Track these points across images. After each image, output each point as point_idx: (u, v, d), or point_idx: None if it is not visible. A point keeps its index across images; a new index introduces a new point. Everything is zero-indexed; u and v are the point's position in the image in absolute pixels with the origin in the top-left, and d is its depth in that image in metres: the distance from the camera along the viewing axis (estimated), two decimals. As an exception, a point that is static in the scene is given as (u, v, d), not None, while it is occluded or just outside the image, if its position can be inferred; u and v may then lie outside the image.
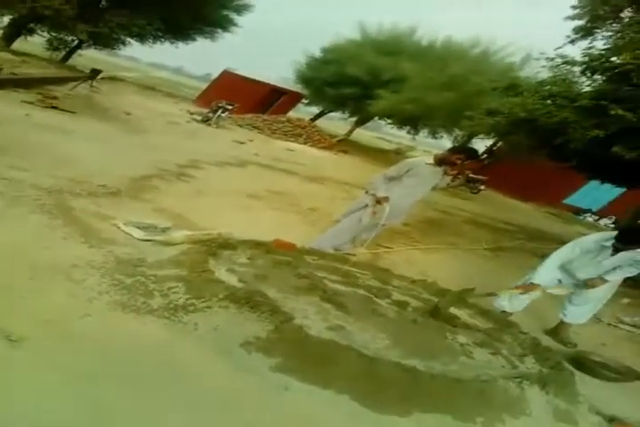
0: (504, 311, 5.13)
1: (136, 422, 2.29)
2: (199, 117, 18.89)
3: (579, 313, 5.18)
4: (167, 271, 3.72)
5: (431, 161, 5.64)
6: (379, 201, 5.50)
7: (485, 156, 24.42)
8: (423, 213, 10.93)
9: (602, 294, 5.08)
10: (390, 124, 29.81)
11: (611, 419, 3.47)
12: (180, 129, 15.04)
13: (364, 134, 39.97)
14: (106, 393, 2.38)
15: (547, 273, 4.97)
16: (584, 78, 11.01)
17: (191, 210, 5.96)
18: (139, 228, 4.66)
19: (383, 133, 53.94)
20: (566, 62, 10.58)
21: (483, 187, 20.59)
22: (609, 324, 6.23)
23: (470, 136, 22.71)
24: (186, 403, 2.48)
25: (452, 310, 4.35)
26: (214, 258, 4.19)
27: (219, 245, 4.49)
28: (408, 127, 28.27)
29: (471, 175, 20.85)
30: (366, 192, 5.79)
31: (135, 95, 20.97)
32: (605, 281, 4.91)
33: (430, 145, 39.59)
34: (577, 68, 10.56)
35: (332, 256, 5.28)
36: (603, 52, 9.55)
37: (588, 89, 10.53)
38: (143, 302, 3.20)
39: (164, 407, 2.41)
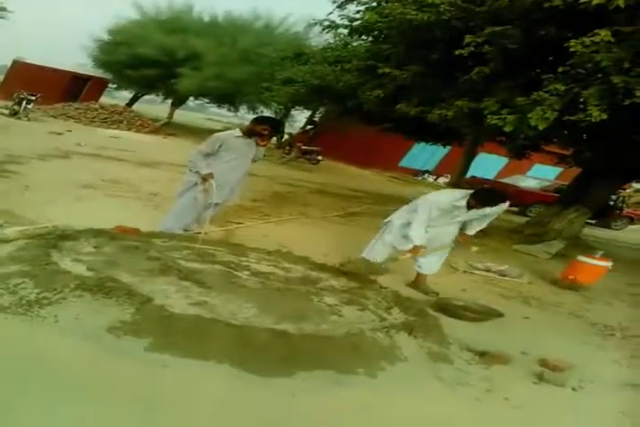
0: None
1: (17, 422, 2.12)
2: (6, 111, 17.40)
3: (430, 264, 5.58)
4: (8, 269, 3.43)
5: (240, 133, 5.63)
6: (204, 178, 5.44)
7: (309, 127, 25.15)
8: (269, 187, 11.07)
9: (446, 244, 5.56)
10: (208, 103, 29.84)
11: (482, 353, 3.75)
12: (-12, 124, 13.73)
13: (190, 116, 39.29)
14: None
15: (423, 234, 5.29)
16: (361, 42, 11.47)
17: (21, 206, 5.53)
18: (-36, 228, 4.23)
19: (209, 114, 53.28)
20: (330, 26, 10.78)
21: (320, 157, 21.25)
22: (464, 271, 6.76)
23: (287, 108, 23.23)
24: (67, 394, 2.33)
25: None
26: (56, 250, 3.94)
27: (58, 237, 4.22)
28: (227, 105, 28.44)
29: (304, 147, 21.49)
30: (190, 171, 5.71)
31: None
32: (469, 236, 5.60)
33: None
34: (345, 32, 10.85)
35: (182, 237, 5.17)
36: (359, 14, 9.79)
37: (363, 52, 10.98)
38: (-8, 302, 2.94)
39: (43, 402, 2.25)
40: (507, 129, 6.53)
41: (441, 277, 5.85)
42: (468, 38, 6.61)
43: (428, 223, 5.28)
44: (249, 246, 5.26)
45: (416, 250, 5.31)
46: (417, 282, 5.65)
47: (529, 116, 6.10)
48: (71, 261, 3.79)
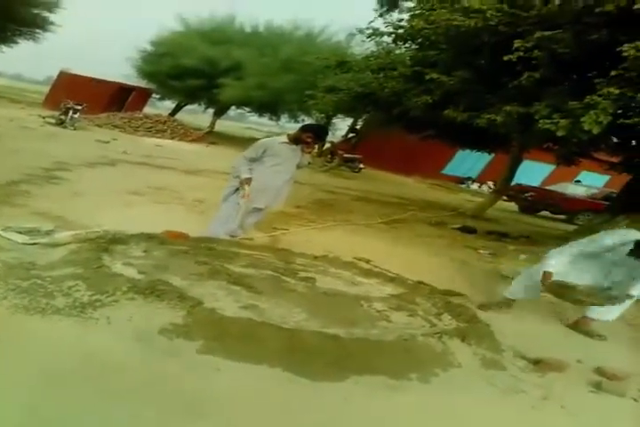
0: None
1: (71, 422, 2.13)
2: (53, 120, 17.88)
3: (608, 312, 4.66)
4: (62, 271, 3.49)
5: (285, 140, 5.64)
6: (242, 183, 5.46)
7: (352, 135, 25.12)
8: (312, 195, 11.09)
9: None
10: (250, 112, 30.12)
11: (536, 361, 3.65)
12: (36, 133, 14.14)
13: (231, 126, 39.80)
14: (32, 396, 2.22)
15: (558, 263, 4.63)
16: (404, 49, 11.47)
17: (71, 211, 5.63)
18: (20, 232, 4.33)
19: (250, 123, 53.91)
20: (374, 34, 10.85)
21: (362, 165, 21.22)
22: (513, 279, 6.50)
23: (329, 117, 23.26)
24: (120, 394, 2.34)
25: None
26: (107, 254, 4.00)
27: (109, 241, 4.31)
28: (268, 114, 28.59)
29: (346, 155, 21.50)
30: (233, 176, 5.71)
31: (-24, 105, 19.38)
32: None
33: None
34: (389, 40, 10.85)
35: (229, 242, 5.20)
36: (403, 22, 9.84)
37: (408, 59, 10.96)
38: (46, 304, 2.97)
39: (96, 402, 2.26)
40: (559, 133, 6.39)
41: (490, 286, 5.72)
42: (516, 43, 6.53)
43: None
44: (295, 252, 5.25)
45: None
46: (580, 324, 4.82)
47: (582, 120, 5.97)
48: (122, 264, 3.83)
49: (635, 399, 3.46)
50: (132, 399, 2.35)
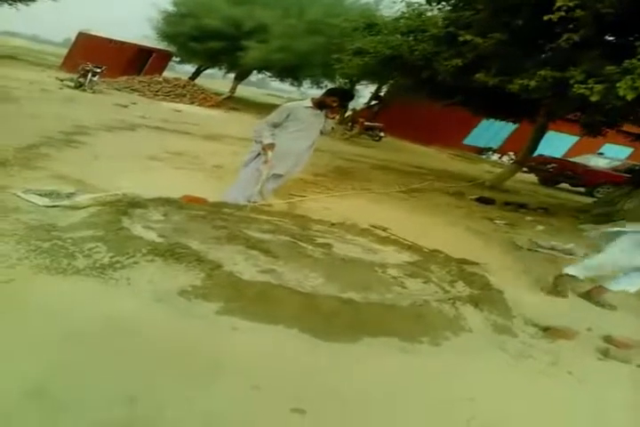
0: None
1: (96, 382, 2.19)
2: (71, 83, 17.77)
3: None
4: (83, 233, 3.54)
5: (310, 104, 5.52)
6: (264, 148, 5.38)
7: (374, 102, 24.82)
8: (331, 162, 11.08)
9: None
10: (271, 77, 29.62)
11: (546, 328, 3.71)
12: (55, 96, 14.11)
13: (252, 91, 39.55)
14: (53, 355, 2.29)
15: None
16: (436, 11, 11.26)
17: (91, 175, 5.66)
18: (40, 195, 4.39)
19: (271, 89, 53.49)
20: None
21: (383, 134, 21.04)
22: (528, 249, 6.58)
23: (353, 83, 22.93)
24: (140, 354, 2.41)
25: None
26: (127, 217, 4.03)
27: (128, 205, 4.33)
28: (290, 79, 28.14)
29: (367, 123, 21.32)
30: (255, 141, 5.67)
31: (-4, 65, 19.38)
32: None
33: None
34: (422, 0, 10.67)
35: (247, 207, 5.23)
36: None
37: (440, 20, 10.75)
38: (68, 264, 3.04)
39: (116, 362, 2.33)
40: (593, 99, 6.25)
41: (505, 255, 5.73)
42: (559, 2, 6.28)
43: None
44: (313, 218, 5.28)
45: None
46: (593, 293, 4.89)
47: (617, 85, 5.82)
48: (142, 227, 3.88)
49: (639, 366, 3.52)
50: (152, 359, 2.41)
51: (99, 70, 18.05)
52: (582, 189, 17.10)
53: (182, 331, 2.66)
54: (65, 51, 31.06)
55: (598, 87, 6.20)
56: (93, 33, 27.32)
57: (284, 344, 2.73)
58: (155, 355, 2.44)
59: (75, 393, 2.08)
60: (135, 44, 27.51)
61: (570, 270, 4.88)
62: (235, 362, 2.51)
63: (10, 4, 26.55)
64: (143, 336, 2.56)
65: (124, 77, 21.72)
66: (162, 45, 28.48)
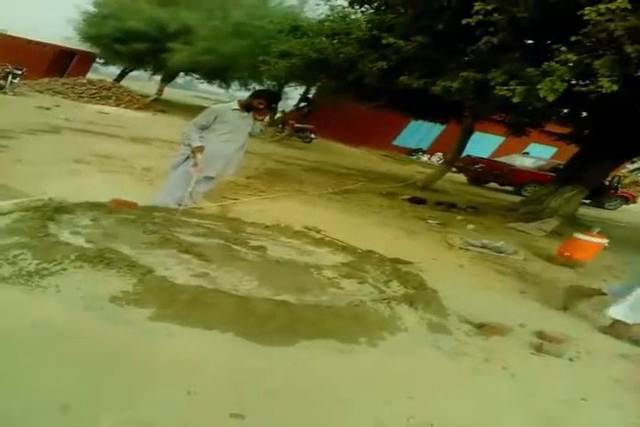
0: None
1: (27, 390, 2.11)
2: (-9, 85, 17.08)
3: None
4: (6, 240, 3.38)
5: (237, 106, 5.50)
6: (194, 151, 5.31)
7: (303, 104, 24.93)
8: (263, 164, 11.04)
9: None
10: (198, 79, 29.40)
11: (480, 325, 3.81)
12: (-27, 98, 13.52)
13: (179, 94, 38.92)
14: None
15: None
16: (360, 13, 11.42)
17: (14, 179, 5.47)
18: (-42, 201, 4.17)
19: (198, 91, 52.80)
20: None
21: (313, 135, 21.13)
22: (460, 248, 6.76)
23: (281, 84, 22.99)
24: (71, 362, 2.33)
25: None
26: (54, 222, 3.90)
27: (54, 210, 4.17)
28: (217, 81, 28.00)
29: (297, 125, 21.36)
30: (183, 143, 5.57)
31: None
32: None
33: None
34: (345, 3, 10.82)
35: (178, 211, 5.13)
36: None
37: (364, 23, 10.94)
38: (-8, 272, 2.91)
39: (48, 370, 2.25)
40: (515, 100, 6.44)
41: (438, 254, 5.86)
42: (477, 6, 6.46)
43: None
44: (246, 221, 5.24)
45: None
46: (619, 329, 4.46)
47: (538, 87, 6.03)
48: (69, 233, 3.75)
49: (570, 359, 3.66)
50: (84, 366, 2.34)
51: (19, 72, 17.45)
52: (510, 188, 17.72)
53: (114, 338, 2.58)
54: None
55: (519, 89, 6.41)
56: (11, 33, 26.23)
57: (219, 349, 2.68)
58: (87, 362, 2.37)
59: (5, 403, 2.01)
60: (56, 46, 26.77)
61: (616, 314, 4.44)
62: (169, 368, 2.46)
63: None
64: (74, 344, 2.48)
65: (47, 79, 21.10)
66: (85, 47, 27.68)
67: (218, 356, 2.64)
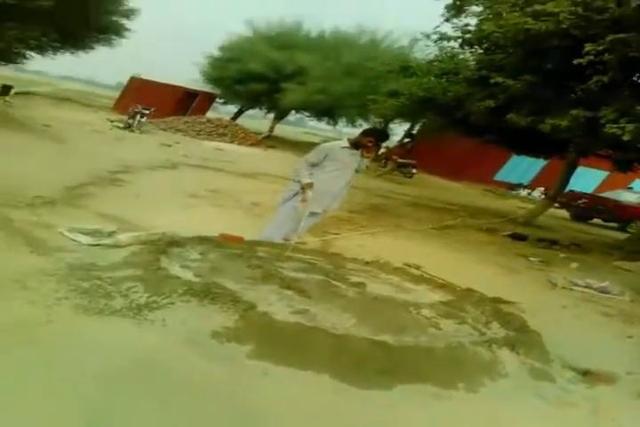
0: None
1: (127, 424, 2.23)
2: (121, 124, 18.51)
3: None
4: (122, 273, 3.63)
5: (346, 144, 5.67)
6: (303, 187, 5.49)
7: (407, 140, 25.03)
8: (365, 199, 11.13)
9: None
10: (309, 117, 30.46)
11: (585, 373, 3.59)
12: (104, 136, 14.72)
13: (289, 130, 40.21)
14: (84, 395, 2.31)
15: None
16: (468, 54, 11.46)
17: (133, 213, 5.84)
18: (83, 234, 4.54)
19: (307, 128, 54.39)
20: (442, 38, 10.95)
21: (415, 170, 21.13)
22: (563, 287, 6.45)
23: (387, 121, 23.25)
24: (170, 397, 2.42)
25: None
26: (165, 256, 4.12)
27: (167, 244, 4.43)
28: (326, 118, 28.89)
29: (400, 160, 21.43)
30: (293, 180, 5.79)
31: (51, 107, 20.37)
32: None
33: (354, 134, 40.18)
34: (456, 44, 10.94)
35: (282, 246, 5.28)
36: (472, 26, 9.96)
37: (472, 63, 10.99)
38: (105, 304, 3.10)
39: (148, 404, 2.35)
40: (625, 138, 6.34)
41: (540, 293, 5.62)
42: (588, 47, 6.48)
43: None
44: (346, 257, 5.29)
45: None
46: None
47: None
48: (179, 266, 3.94)
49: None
50: (180, 403, 2.41)
51: (147, 112, 18.79)
52: (615, 225, 16.80)
53: (213, 376, 2.65)
54: (117, 93, 32.45)
55: (630, 127, 6.30)
56: (143, 77, 28.52)
57: (314, 390, 2.69)
58: (183, 399, 2.44)
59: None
60: (182, 87, 28.73)
61: None
62: (264, 409, 2.49)
63: (72, 53, 28.16)
64: (172, 380, 2.56)
65: (171, 118, 22.52)
66: (207, 88, 29.77)
67: (312, 398, 2.64)
